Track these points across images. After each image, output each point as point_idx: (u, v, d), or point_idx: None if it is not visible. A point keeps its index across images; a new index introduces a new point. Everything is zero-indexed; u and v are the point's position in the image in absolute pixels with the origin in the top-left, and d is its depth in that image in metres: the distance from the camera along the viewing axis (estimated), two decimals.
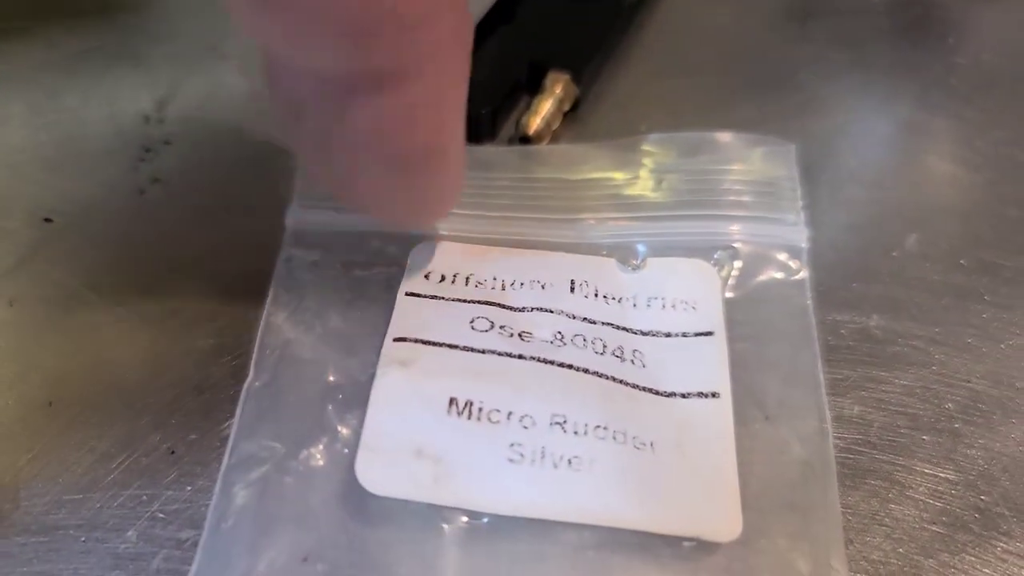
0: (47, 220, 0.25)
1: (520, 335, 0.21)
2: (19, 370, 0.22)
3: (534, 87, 0.27)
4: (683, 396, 0.20)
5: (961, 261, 0.24)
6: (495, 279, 0.22)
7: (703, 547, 0.18)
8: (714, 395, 0.20)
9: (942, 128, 0.28)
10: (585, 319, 0.22)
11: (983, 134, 0.27)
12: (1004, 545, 0.19)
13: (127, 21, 0.30)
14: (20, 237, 0.24)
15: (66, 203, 0.25)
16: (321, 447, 0.19)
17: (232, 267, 0.24)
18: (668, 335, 0.22)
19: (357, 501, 0.19)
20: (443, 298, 0.22)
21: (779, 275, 0.23)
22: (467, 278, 0.22)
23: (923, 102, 0.28)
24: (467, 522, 0.18)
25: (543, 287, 0.22)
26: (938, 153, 0.27)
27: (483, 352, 0.20)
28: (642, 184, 0.24)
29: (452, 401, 0.19)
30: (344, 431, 0.20)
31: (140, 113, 0.28)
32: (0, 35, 0.30)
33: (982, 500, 0.20)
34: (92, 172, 0.26)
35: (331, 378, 0.21)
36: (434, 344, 0.21)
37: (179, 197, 0.25)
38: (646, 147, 0.25)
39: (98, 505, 0.20)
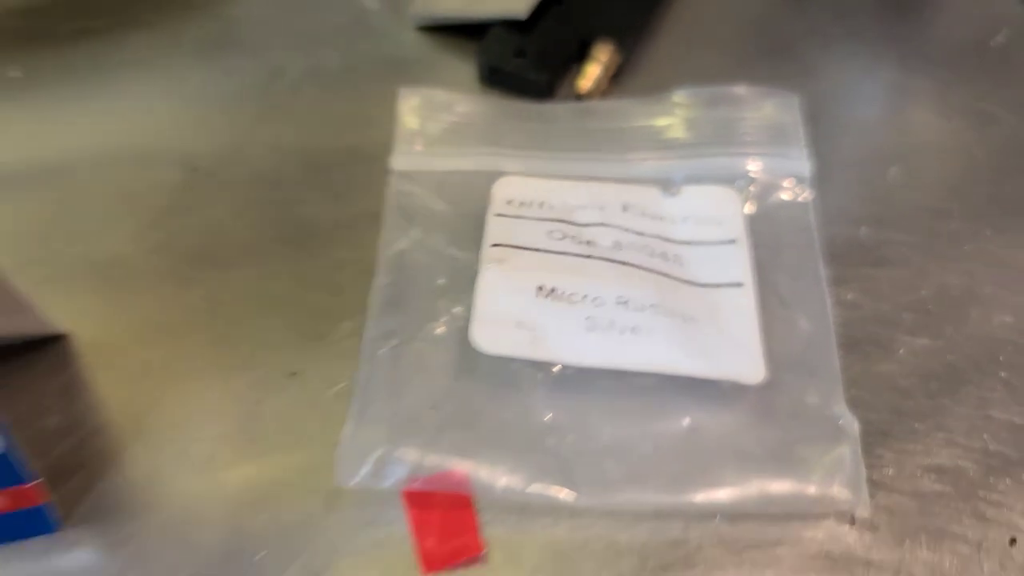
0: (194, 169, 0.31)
1: (587, 242, 0.27)
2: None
3: (583, 56, 0.33)
4: (715, 286, 0.26)
5: (934, 187, 0.30)
6: (563, 204, 0.28)
7: (737, 388, 0.24)
8: (739, 284, 0.26)
9: (920, 87, 0.33)
10: (636, 232, 0.27)
11: (954, 91, 0.33)
12: (967, 390, 0.25)
13: (231, 12, 0.36)
14: (173, 182, 0.30)
15: (207, 156, 0.31)
16: (440, 323, 0.25)
17: (352, 204, 0.29)
18: (701, 243, 0.27)
19: (471, 361, 0.25)
20: (524, 217, 0.28)
21: (787, 197, 0.29)
22: (541, 203, 0.28)
23: (904, 66, 0.34)
24: (556, 371, 0.24)
25: (601, 209, 0.28)
26: (916, 106, 0.33)
27: (559, 253, 0.26)
28: (675, 129, 0.30)
29: (539, 288, 0.25)
30: (458, 311, 0.26)
31: (256, 85, 0.33)
32: (131, 28, 0.36)
33: (949, 359, 0.26)
34: (226, 131, 0.32)
35: (440, 279, 0.27)
36: (521, 248, 0.27)
37: (298, 153, 0.31)
38: (677, 100, 0.30)
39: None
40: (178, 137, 0.32)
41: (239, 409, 0.25)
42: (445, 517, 0.23)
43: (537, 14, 0.33)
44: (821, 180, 0.29)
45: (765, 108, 0.30)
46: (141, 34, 0.35)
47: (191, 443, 0.24)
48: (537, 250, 0.27)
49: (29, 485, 0.22)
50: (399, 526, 0.23)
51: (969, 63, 0.34)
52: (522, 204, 0.28)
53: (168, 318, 0.27)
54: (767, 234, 0.28)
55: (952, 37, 0.35)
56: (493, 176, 0.29)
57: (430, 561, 0.22)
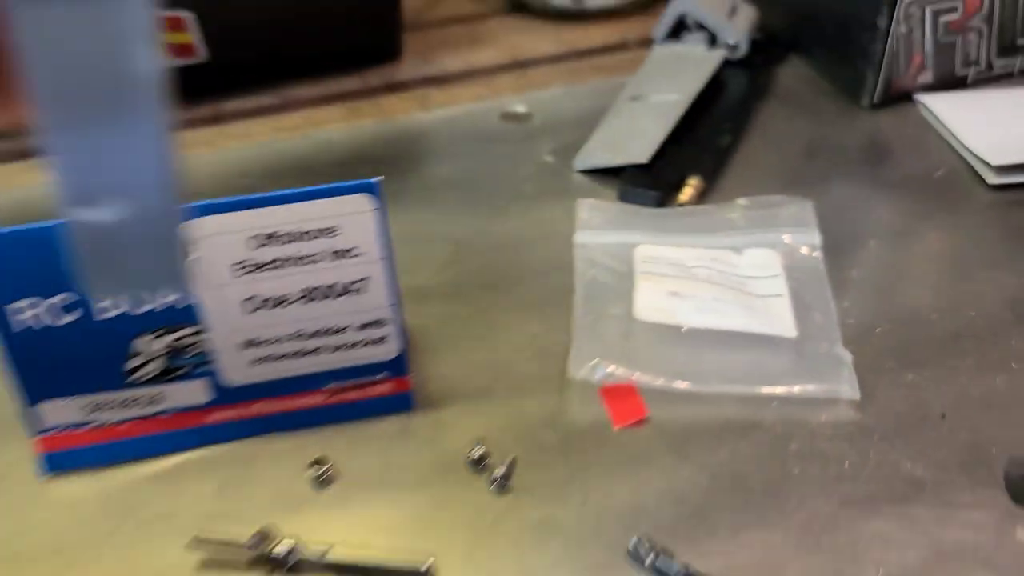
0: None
1: (692, 276, 0.48)
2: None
3: (681, 184, 0.55)
4: (766, 296, 0.47)
5: (891, 249, 0.51)
6: (676, 258, 0.50)
7: (781, 340, 0.44)
8: (780, 296, 0.47)
9: (885, 199, 0.55)
10: (719, 271, 0.49)
11: (905, 201, 0.54)
12: (931, 352, 0.45)
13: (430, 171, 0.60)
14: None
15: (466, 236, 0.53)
16: (620, 308, 0.46)
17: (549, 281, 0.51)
18: (757, 278, 0.48)
19: (639, 323, 0.45)
20: (655, 261, 0.49)
21: (806, 254, 0.50)
22: (663, 258, 0.50)
23: (874, 187, 0.56)
24: (684, 330, 0.45)
25: (698, 260, 0.49)
26: (883, 209, 0.54)
27: (678, 278, 0.48)
28: (739, 220, 0.52)
29: (671, 292, 0.46)
30: (623, 307, 0.47)
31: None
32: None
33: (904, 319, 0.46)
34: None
35: (613, 292, 0.48)
36: (657, 275, 0.48)
37: (521, 243, 0.53)
38: (740, 203, 0.52)
39: None
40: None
41: (510, 344, 0.45)
42: (625, 398, 0.43)
43: (653, 160, 0.56)
44: (826, 246, 0.50)
45: (792, 207, 0.52)
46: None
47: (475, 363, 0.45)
48: (665, 276, 0.48)
49: (407, 376, 0.42)
50: (600, 404, 0.43)
51: (918, 186, 0.56)
52: (653, 259, 0.50)
53: (454, 311, 0.48)
54: (795, 274, 0.49)
55: (907, 171, 0.57)
56: (633, 246, 0.51)
57: (618, 419, 0.42)
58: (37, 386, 0.38)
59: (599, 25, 0.75)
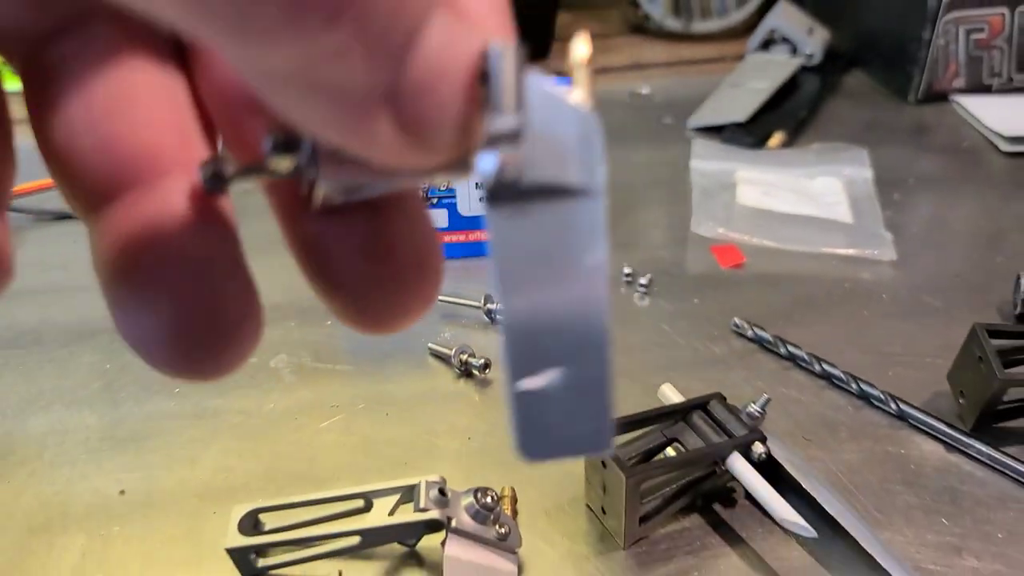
0: None
1: (777, 194, 0.67)
2: None
3: (769, 136, 0.74)
4: (831, 204, 0.66)
5: (924, 191, 0.69)
6: (767, 181, 0.68)
7: (840, 223, 0.63)
8: (841, 203, 0.66)
9: (921, 161, 0.73)
10: (798, 192, 0.67)
11: (938, 164, 0.73)
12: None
13: None
14: None
15: None
16: (725, 197, 0.65)
17: (675, 188, 0.70)
18: (823, 194, 0.67)
19: (738, 208, 0.64)
20: (751, 182, 0.68)
21: (861, 179, 0.68)
22: (760, 181, 0.69)
23: (916, 150, 0.74)
24: (771, 211, 0.64)
25: (783, 184, 0.68)
26: (920, 163, 0.73)
27: (770, 186, 0.66)
28: (813, 159, 0.71)
29: (764, 193, 0.65)
30: (736, 193, 0.66)
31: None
32: None
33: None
34: None
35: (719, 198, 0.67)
36: (752, 182, 0.67)
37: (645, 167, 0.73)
38: (814, 148, 0.71)
39: None
40: None
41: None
42: (728, 250, 0.61)
43: (748, 121, 0.75)
44: (876, 180, 0.69)
45: (852, 151, 0.71)
46: None
47: None
48: (758, 184, 0.67)
49: None
50: (711, 255, 0.61)
51: (948, 151, 0.74)
52: (748, 179, 0.69)
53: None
54: (853, 193, 0.67)
55: (941, 142, 0.76)
56: (734, 171, 0.70)
57: (723, 262, 0.60)
58: None
59: (703, 44, 0.96)
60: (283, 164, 0.16)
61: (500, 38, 0.15)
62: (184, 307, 0.15)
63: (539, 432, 0.21)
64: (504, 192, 0.17)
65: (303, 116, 0.14)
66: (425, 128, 0.14)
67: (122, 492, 0.43)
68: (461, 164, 0.16)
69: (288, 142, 0.16)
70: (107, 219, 0.15)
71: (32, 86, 0.16)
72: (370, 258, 0.17)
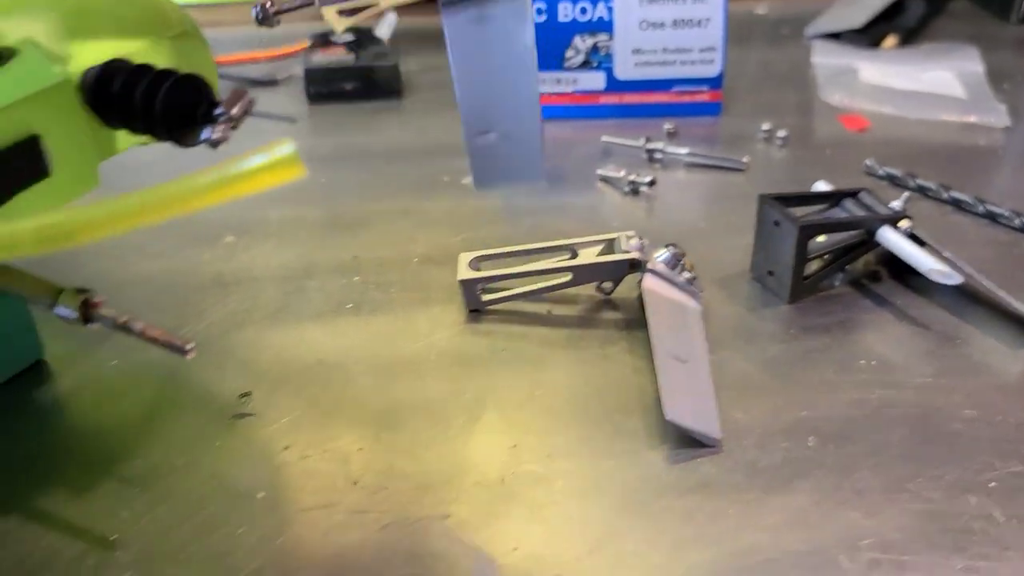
0: None
1: (895, 76, 0.74)
2: None
3: (881, 39, 0.81)
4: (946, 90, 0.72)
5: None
6: (886, 71, 0.75)
7: (956, 97, 0.69)
8: (955, 88, 0.72)
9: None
10: (913, 77, 0.74)
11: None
12: None
13: None
14: None
15: None
16: (848, 79, 0.72)
17: (801, 77, 0.77)
18: (938, 84, 0.74)
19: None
20: (876, 71, 0.75)
21: (974, 75, 0.75)
22: (878, 71, 0.75)
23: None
24: (892, 88, 0.70)
25: (899, 71, 0.75)
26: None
27: (890, 75, 0.73)
28: (923, 56, 0.77)
29: (884, 75, 0.72)
30: (858, 75, 0.73)
31: None
32: None
33: None
34: None
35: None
36: (875, 70, 0.74)
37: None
38: (924, 46, 0.78)
39: None
40: None
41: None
42: (854, 117, 0.68)
43: (864, 28, 0.82)
44: (986, 73, 0.75)
45: (964, 49, 0.77)
46: None
47: None
48: (878, 71, 0.73)
49: (720, 90, 0.69)
50: (838, 122, 0.68)
51: None
52: (870, 68, 0.75)
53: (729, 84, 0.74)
54: (965, 82, 0.74)
55: None
56: (852, 67, 0.77)
57: (849, 125, 0.67)
58: None
59: None
60: None
61: None
62: None
63: (488, 171, 0.32)
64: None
65: None
66: None
67: (355, 257, 0.51)
68: None
69: None
70: None
71: None
72: None
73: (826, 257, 0.47)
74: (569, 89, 0.67)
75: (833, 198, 0.49)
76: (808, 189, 0.53)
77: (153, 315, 0.44)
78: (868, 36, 0.81)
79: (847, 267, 0.48)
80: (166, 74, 0.32)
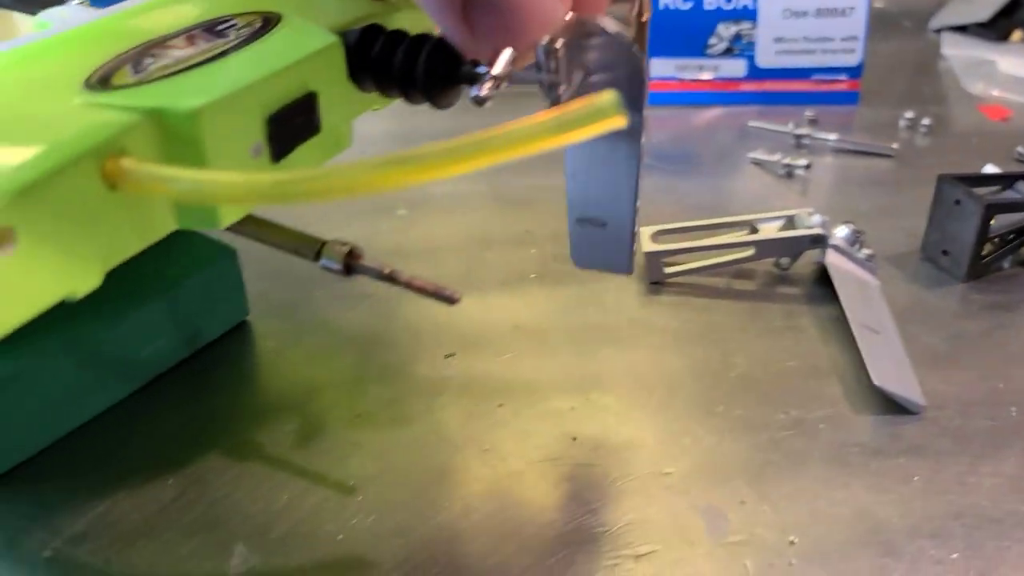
0: None
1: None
2: None
3: (1009, 34, 0.81)
4: None
5: None
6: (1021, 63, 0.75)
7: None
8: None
9: None
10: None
11: None
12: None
13: None
14: None
15: None
16: (986, 69, 0.72)
17: (931, 69, 0.78)
18: None
19: None
20: (1012, 62, 0.75)
21: None
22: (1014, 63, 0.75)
23: None
24: None
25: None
26: None
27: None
28: None
29: (1020, 66, 0.72)
30: (996, 66, 0.73)
31: None
32: None
33: None
34: None
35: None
36: (1012, 59, 0.74)
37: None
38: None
39: None
40: None
41: None
42: (994, 107, 0.68)
43: (990, 21, 0.82)
44: None
45: None
46: None
47: None
48: (1013, 61, 0.74)
49: (859, 79, 0.69)
50: (979, 112, 0.68)
51: None
52: (1005, 59, 0.75)
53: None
54: None
55: None
56: (985, 59, 0.77)
57: (991, 115, 0.68)
58: (655, 44, 0.67)
59: None
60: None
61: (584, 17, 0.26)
62: None
63: (584, 251, 0.34)
64: None
65: None
66: (480, 38, 0.26)
67: (527, 231, 0.53)
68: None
69: None
70: None
71: None
72: None
73: (997, 239, 0.48)
74: (711, 76, 0.68)
75: (1006, 180, 0.50)
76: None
77: (344, 286, 0.46)
78: (994, 30, 0.81)
79: (1019, 249, 0.48)
80: (423, 38, 0.33)
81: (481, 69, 0.32)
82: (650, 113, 0.67)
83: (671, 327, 0.44)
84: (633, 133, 0.30)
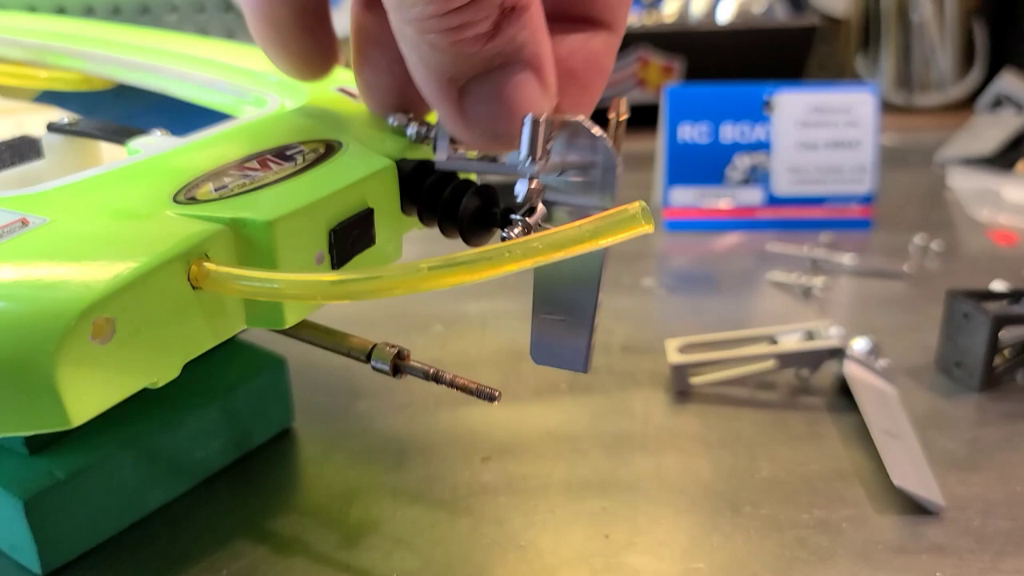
0: None
1: None
2: None
3: (1016, 162, 0.85)
4: None
5: None
6: None
7: None
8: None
9: None
10: None
11: None
12: None
13: None
14: None
15: None
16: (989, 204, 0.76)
17: (936, 201, 0.82)
18: None
19: None
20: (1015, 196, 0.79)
21: None
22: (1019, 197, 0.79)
23: None
24: None
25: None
26: None
27: None
28: None
29: None
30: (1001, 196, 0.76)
31: None
32: None
33: None
34: None
35: None
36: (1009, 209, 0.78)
37: None
38: None
39: None
40: None
41: None
42: (1002, 232, 0.72)
43: (997, 157, 0.86)
44: None
45: None
46: None
47: None
48: (1018, 190, 0.77)
49: (871, 206, 0.73)
50: None
51: None
52: (1011, 188, 0.79)
53: None
54: None
55: None
56: (993, 185, 0.81)
57: (999, 239, 0.71)
58: (675, 174, 0.72)
59: (925, 115, 1.09)
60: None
61: (565, 116, 0.28)
62: None
63: (542, 347, 0.34)
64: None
65: (413, 69, 0.27)
66: (474, 123, 0.27)
67: None
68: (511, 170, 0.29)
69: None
70: None
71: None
72: None
73: (1009, 351, 0.50)
74: (729, 204, 0.72)
75: (1014, 296, 0.52)
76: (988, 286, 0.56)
77: (384, 396, 0.48)
78: (1000, 162, 0.85)
79: None
80: (468, 182, 0.37)
81: (515, 216, 0.35)
82: (672, 239, 0.71)
83: (698, 434, 0.46)
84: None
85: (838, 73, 1.17)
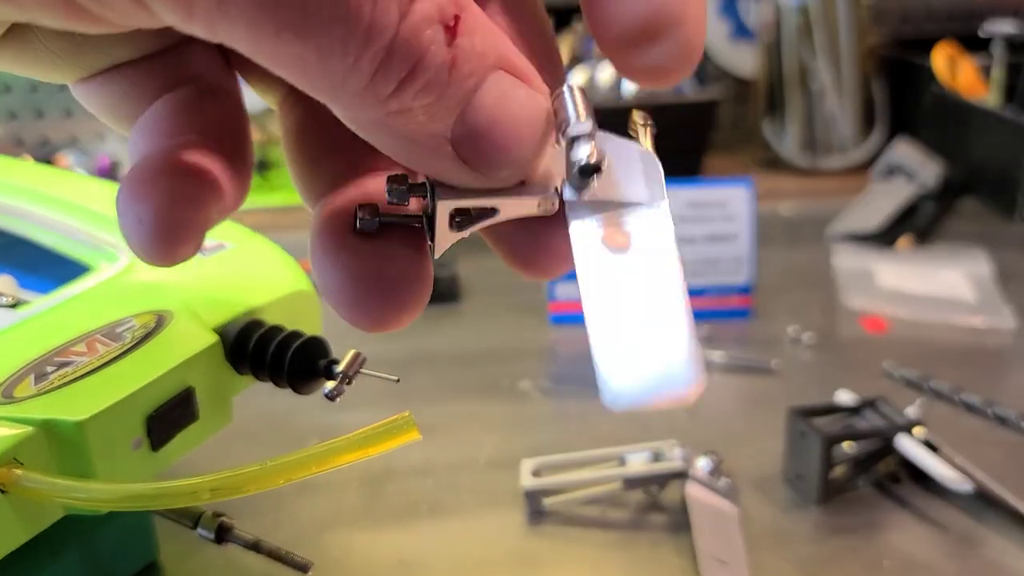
0: None
1: (910, 274, 0.81)
2: None
3: (897, 238, 0.89)
4: (955, 289, 0.79)
5: None
6: (901, 271, 0.83)
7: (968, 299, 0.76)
8: (970, 287, 0.79)
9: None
10: (927, 277, 0.81)
11: None
12: None
13: None
14: None
15: None
16: (866, 283, 0.80)
17: (821, 284, 0.85)
18: (953, 285, 0.81)
19: None
20: (891, 272, 0.82)
21: (982, 280, 0.82)
22: (892, 272, 0.83)
23: None
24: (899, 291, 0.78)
25: (915, 274, 0.82)
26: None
27: (904, 276, 0.81)
28: (934, 257, 0.85)
29: (899, 279, 0.79)
30: (875, 277, 0.80)
31: None
32: None
33: None
34: None
35: None
36: (889, 272, 0.81)
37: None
38: (934, 246, 0.86)
39: None
40: None
41: None
42: (873, 319, 0.75)
43: (882, 233, 0.90)
44: (995, 272, 0.82)
45: (971, 250, 0.84)
46: None
47: None
48: (892, 273, 0.81)
49: (750, 296, 0.76)
50: None
51: None
52: (886, 271, 0.83)
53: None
54: (977, 282, 0.81)
55: None
56: (873, 271, 0.84)
57: (869, 327, 0.74)
58: None
59: (828, 178, 1.13)
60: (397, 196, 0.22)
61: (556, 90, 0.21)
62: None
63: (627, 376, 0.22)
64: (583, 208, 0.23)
65: (393, 153, 0.21)
66: (484, 163, 0.20)
67: (427, 459, 0.58)
68: (542, 190, 0.22)
69: (399, 178, 0.22)
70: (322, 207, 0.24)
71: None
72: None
73: (849, 463, 0.53)
74: None
75: (854, 409, 0.55)
76: (832, 392, 0.59)
77: (253, 517, 0.50)
78: (885, 237, 0.89)
79: (870, 470, 0.53)
80: (294, 335, 0.39)
81: (336, 369, 0.38)
82: (557, 332, 0.73)
83: (545, 559, 0.48)
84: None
85: (750, 133, 1.20)
